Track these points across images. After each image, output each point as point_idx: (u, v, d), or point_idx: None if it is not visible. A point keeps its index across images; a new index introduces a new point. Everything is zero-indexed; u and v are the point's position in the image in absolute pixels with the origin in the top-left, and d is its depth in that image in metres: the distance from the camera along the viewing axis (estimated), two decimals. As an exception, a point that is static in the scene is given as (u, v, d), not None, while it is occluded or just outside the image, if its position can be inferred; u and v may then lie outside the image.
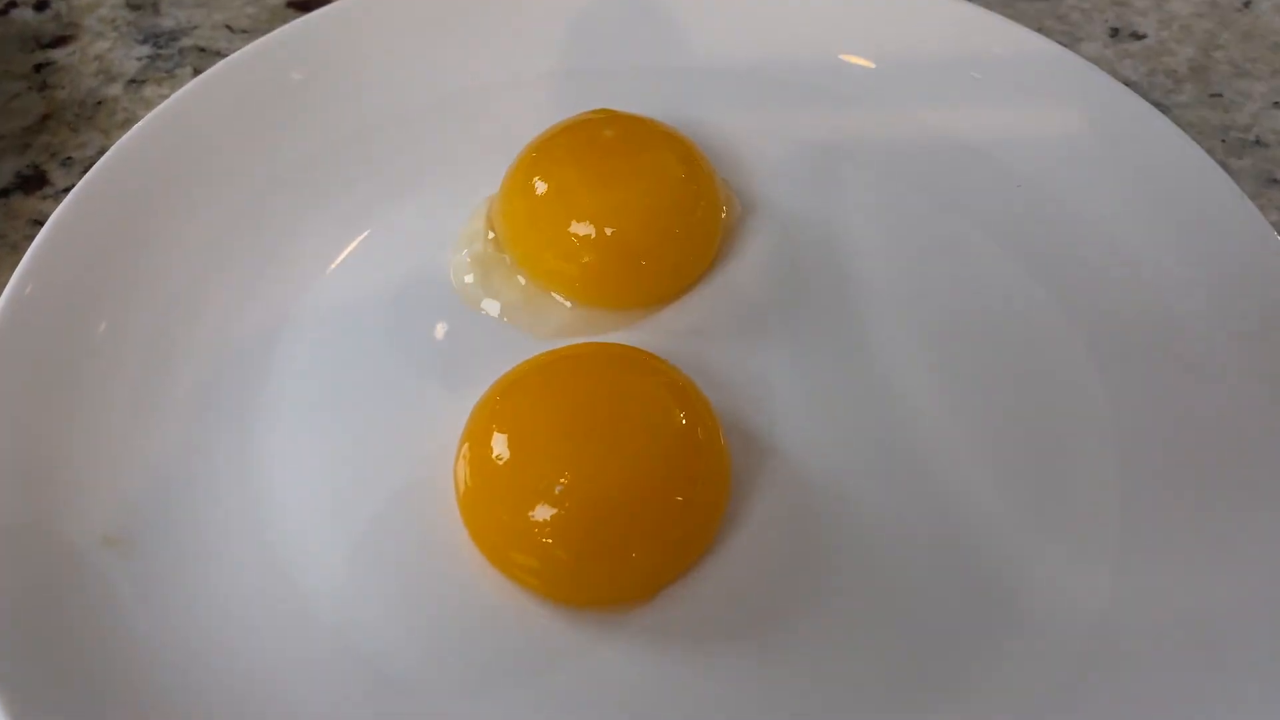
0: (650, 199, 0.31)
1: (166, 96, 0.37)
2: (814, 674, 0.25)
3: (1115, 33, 0.41)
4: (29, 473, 0.26)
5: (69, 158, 0.37)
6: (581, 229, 0.30)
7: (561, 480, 0.26)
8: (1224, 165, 0.33)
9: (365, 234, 0.32)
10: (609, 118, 0.32)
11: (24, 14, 0.41)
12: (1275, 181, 0.37)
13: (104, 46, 0.40)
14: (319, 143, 0.34)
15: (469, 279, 0.31)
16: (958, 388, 0.30)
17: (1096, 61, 0.37)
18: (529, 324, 0.30)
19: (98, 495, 0.26)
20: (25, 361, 0.27)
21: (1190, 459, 0.28)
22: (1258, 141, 0.38)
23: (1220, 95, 0.39)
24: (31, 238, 0.34)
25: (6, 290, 0.28)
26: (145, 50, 0.40)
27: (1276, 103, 0.39)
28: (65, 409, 0.27)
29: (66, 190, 0.35)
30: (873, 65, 0.36)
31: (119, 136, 0.36)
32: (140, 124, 0.33)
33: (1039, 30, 0.37)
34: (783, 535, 0.27)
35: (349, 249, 0.32)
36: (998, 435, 0.29)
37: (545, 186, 0.31)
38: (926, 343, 0.30)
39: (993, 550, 0.27)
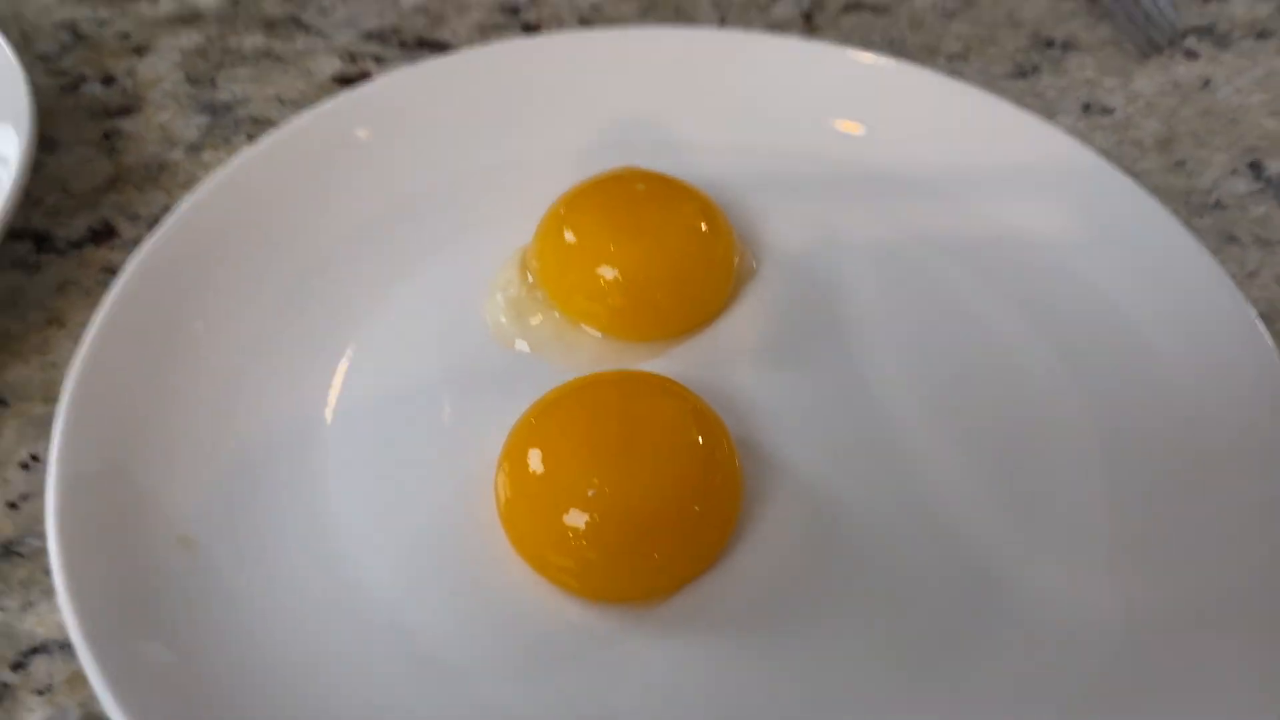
0: (672, 245, 0.34)
1: (224, 160, 0.41)
2: (816, 660, 0.28)
3: (1087, 108, 0.45)
4: (121, 482, 0.29)
5: (136, 214, 0.40)
6: (610, 272, 0.33)
7: (591, 490, 0.28)
8: (1187, 224, 0.37)
9: (411, 281, 0.36)
10: (635, 173, 0.35)
11: (93, 88, 0.45)
12: (1233, 239, 0.40)
13: (166, 116, 0.44)
14: (368, 200, 0.37)
15: (503, 319, 0.35)
16: (947, 410, 0.33)
17: (1070, 133, 0.41)
18: (560, 356, 0.34)
19: (175, 503, 0.29)
20: (115, 384, 0.30)
21: (1165, 474, 0.31)
22: (1217, 204, 0.41)
23: (1183, 163, 0.43)
24: (102, 283, 0.37)
25: (96, 325, 0.31)
26: (203, 119, 0.44)
27: (1234, 170, 0.43)
28: (151, 429, 0.30)
29: (134, 241, 0.39)
30: (861, 132, 0.40)
31: (181, 195, 0.40)
32: (214, 177, 0.36)
33: (1018, 105, 0.41)
34: (788, 542, 0.30)
35: (398, 294, 0.35)
36: (985, 453, 0.32)
37: (578, 232, 0.34)
38: (918, 372, 0.34)
39: (982, 556, 0.30)
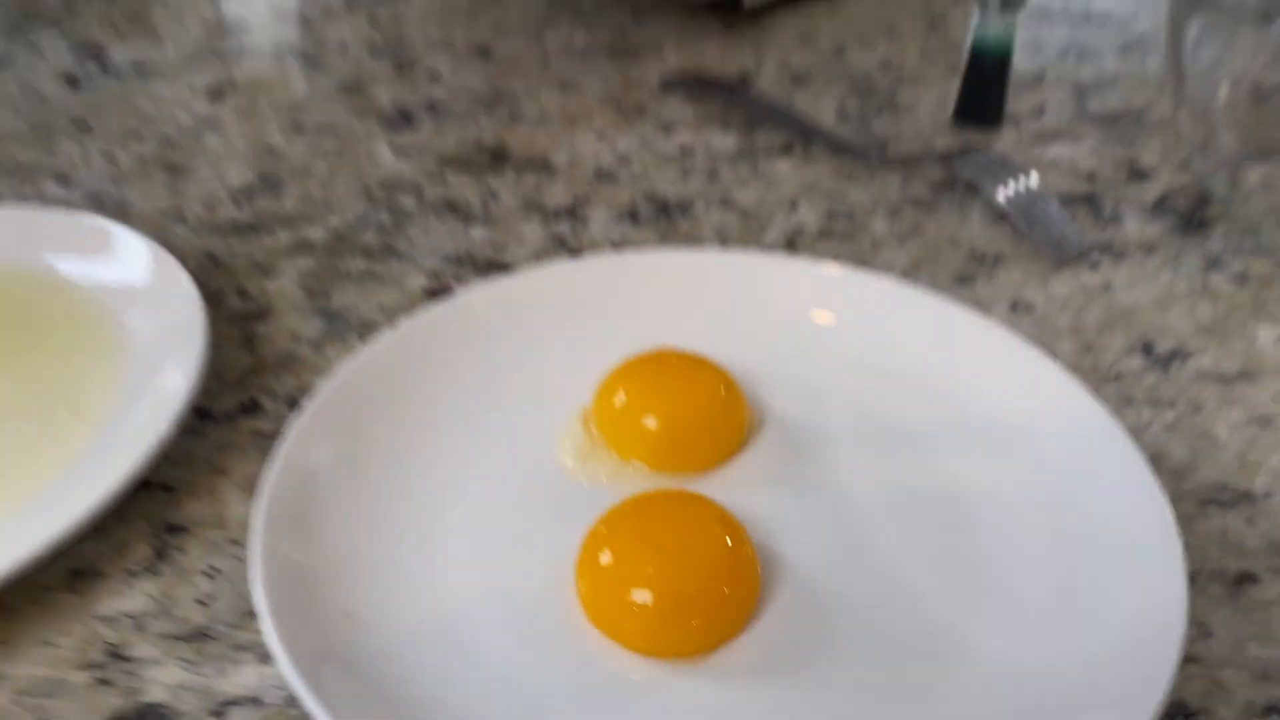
0: (699, 399, 0.45)
1: (342, 355, 0.52)
2: (814, 705, 0.37)
3: (1014, 306, 0.57)
4: (298, 569, 0.39)
5: (275, 393, 0.50)
6: (652, 422, 0.44)
7: (648, 574, 0.38)
8: (1095, 392, 0.48)
9: (502, 434, 0.46)
10: (667, 351, 0.47)
11: (233, 300, 0.56)
12: (1130, 402, 0.51)
13: (291, 321, 0.55)
14: (466, 377, 0.48)
15: (570, 462, 0.45)
16: (912, 522, 0.43)
17: (1001, 324, 0.52)
18: (615, 486, 0.44)
19: (337, 587, 0.39)
20: (289, 505, 0.41)
21: (1075, 579, 0.41)
22: (1117, 376, 0.53)
23: (1090, 346, 0.54)
24: (254, 443, 0.48)
25: (276, 468, 0.41)
26: (321, 323, 0.55)
27: (1130, 351, 0.54)
28: (317, 536, 0.40)
29: (275, 413, 0.49)
30: (834, 322, 0.52)
31: (311, 379, 0.51)
32: (347, 364, 0.46)
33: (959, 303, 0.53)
34: (792, 617, 0.39)
35: (494, 444, 0.46)
36: (940, 554, 0.42)
37: (627, 393, 0.45)
38: (886, 494, 0.44)
39: (939, 625, 0.39)
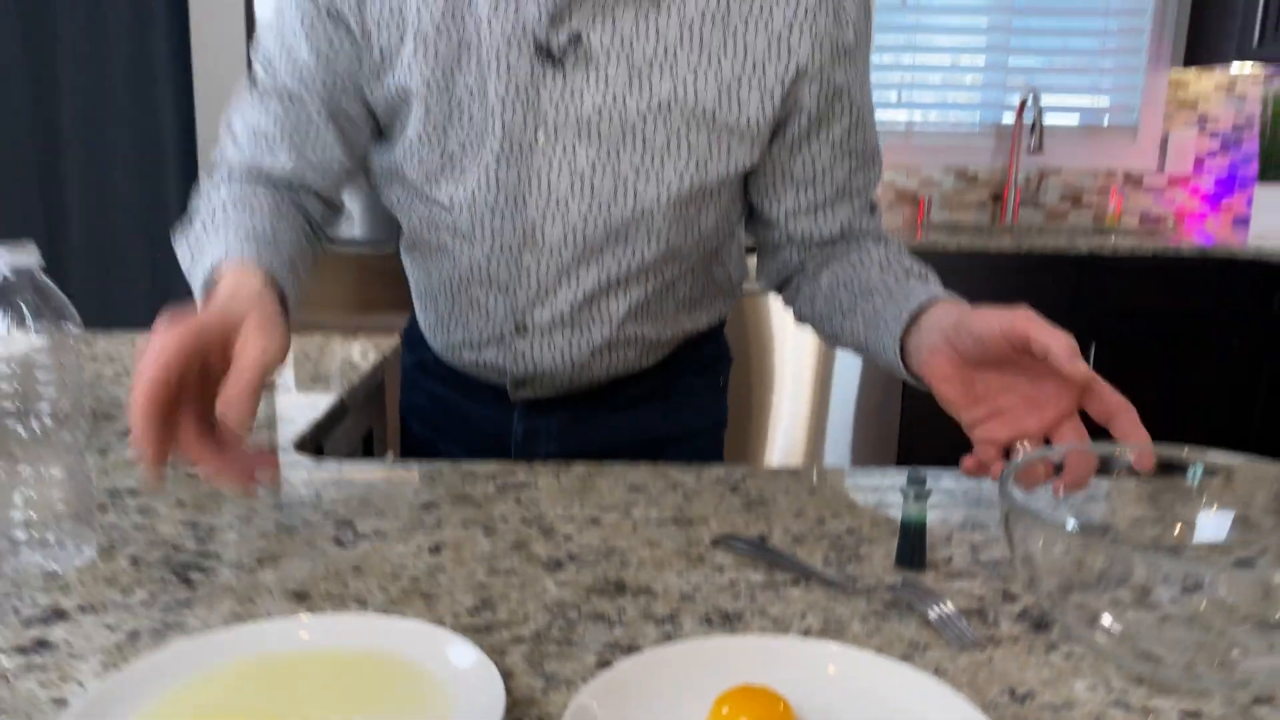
0: (768, 710, 0.86)
1: (561, 697, 0.93)
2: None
3: (936, 670, 0.99)
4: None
5: (528, 715, 0.91)
6: (745, 720, 0.85)
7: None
8: (980, 709, 0.89)
9: (662, 729, 0.87)
10: (747, 685, 0.88)
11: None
12: (1002, 719, 0.92)
13: (524, 678, 0.95)
14: (635, 707, 0.89)
15: (702, 745, 0.85)
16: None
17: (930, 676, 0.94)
18: (730, 751, 0.84)
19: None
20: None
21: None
22: (994, 706, 0.94)
23: (980, 691, 0.96)
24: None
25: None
26: (541, 680, 0.95)
27: (1001, 693, 0.96)
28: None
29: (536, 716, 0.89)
30: (835, 671, 0.94)
31: (547, 710, 0.91)
32: (576, 698, 0.88)
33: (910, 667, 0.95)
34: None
35: (659, 732, 0.86)
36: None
37: (730, 707, 0.86)
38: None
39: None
